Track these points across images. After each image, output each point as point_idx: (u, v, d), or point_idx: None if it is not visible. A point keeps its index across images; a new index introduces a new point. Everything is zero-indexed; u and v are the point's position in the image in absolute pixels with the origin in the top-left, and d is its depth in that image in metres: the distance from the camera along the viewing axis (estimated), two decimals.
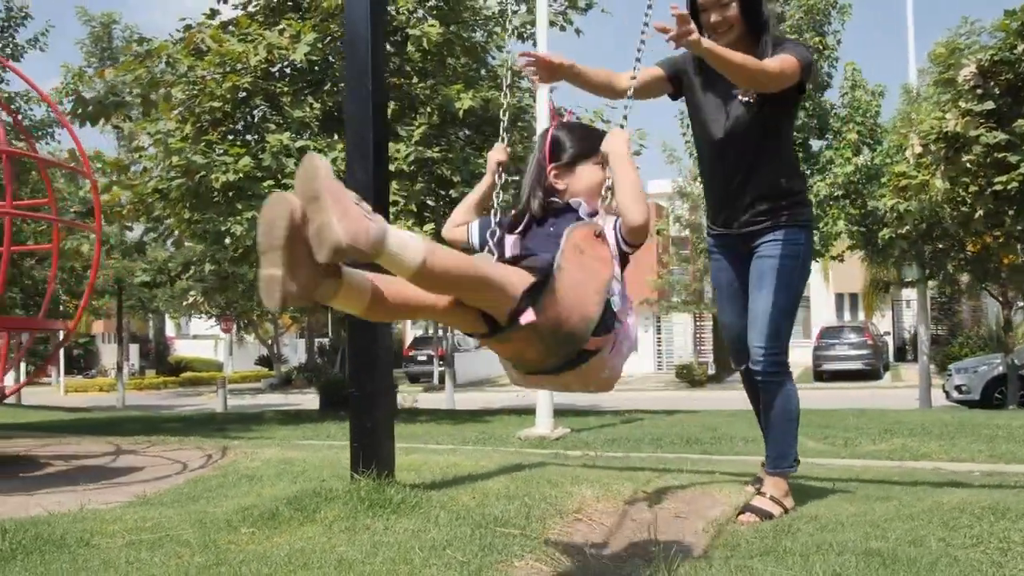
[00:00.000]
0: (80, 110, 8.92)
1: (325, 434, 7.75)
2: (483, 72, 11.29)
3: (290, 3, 10.77)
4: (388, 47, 11.31)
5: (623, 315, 2.01)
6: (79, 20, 25.00)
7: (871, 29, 62.50)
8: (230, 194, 9.56)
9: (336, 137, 9.91)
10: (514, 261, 1.95)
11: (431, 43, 9.66)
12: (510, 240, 2.14)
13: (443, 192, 10.53)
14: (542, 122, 7.80)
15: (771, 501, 3.06)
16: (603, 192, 2.07)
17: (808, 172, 13.68)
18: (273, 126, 9.96)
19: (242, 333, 33.97)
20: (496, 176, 2.34)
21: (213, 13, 10.79)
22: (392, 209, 9.23)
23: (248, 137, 10.53)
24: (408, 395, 17.73)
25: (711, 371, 27.25)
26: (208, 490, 3.89)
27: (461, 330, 1.93)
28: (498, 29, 11.07)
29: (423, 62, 10.63)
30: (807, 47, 3.11)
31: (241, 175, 8.92)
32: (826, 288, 32.67)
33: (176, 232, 10.68)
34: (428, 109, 10.31)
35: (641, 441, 6.92)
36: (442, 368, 23.23)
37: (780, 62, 2.90)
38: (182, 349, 40.24)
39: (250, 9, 10.95)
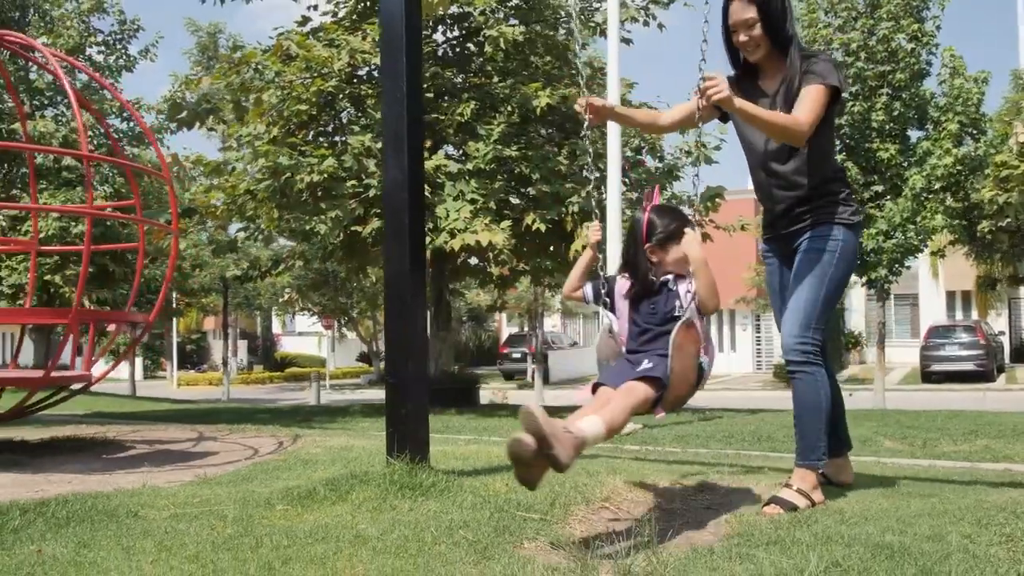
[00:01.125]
0: (176, 116, 9.44)
1: None
2: (566, 70, 11.36)
3: (376, 8, 11.08)
4: (471, 47, 11.53)
5: (707, 355, 2.82)
6: (187, 31, 26.46)
7: (975, 12, 59.45)
8: (318, 193, 9.95)
9: None
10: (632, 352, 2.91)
11: (507, 43, 9.80)
12: (622, 305, 2.93)
13: (523, 190, 10.64)
14: (613, 129, 7.95)
15: (797, 493, 3.02)
16: (688, 296, 2.79)
17: (904, 164, 13.13)
18: (357, 127, 10.28)
19: (343, 330, 35.02)
20: (596, 251, 3.04)
21: (304, 20, 11.24)
22: (471, 207, 9.40)
23: (336, 139, 10.92)
24: (498, 391, 17.94)
25: None
26: (264, 472, 4.10)
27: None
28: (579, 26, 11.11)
29: (505, 61, 10.76)
30: (832, 60, 3.21)
31: (325, 175, 9.26)
32: (936, 285, 31.25)
33: (267, 230, 11.14)
34: (509, 108, 10.43)
35: (711, 438, 6.84)
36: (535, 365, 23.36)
37: (809, 109, 3.00)
38: (288, 345, 41.82)
39: (339, 15, 11.36)
